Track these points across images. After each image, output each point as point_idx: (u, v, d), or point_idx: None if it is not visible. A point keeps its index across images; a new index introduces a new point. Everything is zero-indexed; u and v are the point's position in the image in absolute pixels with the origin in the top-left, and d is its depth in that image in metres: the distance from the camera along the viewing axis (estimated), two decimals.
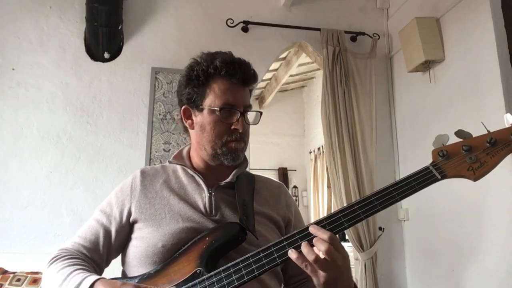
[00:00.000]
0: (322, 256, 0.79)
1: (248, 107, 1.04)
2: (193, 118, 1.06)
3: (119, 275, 1.02)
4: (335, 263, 0.79)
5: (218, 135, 1.00)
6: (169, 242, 0.94)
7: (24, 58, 2.52)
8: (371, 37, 3.00)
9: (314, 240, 0.81)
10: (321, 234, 0.81)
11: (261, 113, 1.07)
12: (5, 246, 2.27)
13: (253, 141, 3.15)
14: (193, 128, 1.07)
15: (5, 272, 1.89)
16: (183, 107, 1.07)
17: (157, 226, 0.96)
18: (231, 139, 1.01)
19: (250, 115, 1.05)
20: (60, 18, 2.63)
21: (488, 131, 0.89)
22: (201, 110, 1.02)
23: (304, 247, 0.80)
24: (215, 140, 1.01)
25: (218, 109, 0.99)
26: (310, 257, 0.79)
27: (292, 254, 0.81)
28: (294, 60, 4.64)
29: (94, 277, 0.86)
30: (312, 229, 0.83)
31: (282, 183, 1.22)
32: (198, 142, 1.05)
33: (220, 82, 1.01)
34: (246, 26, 2.85)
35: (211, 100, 1.01)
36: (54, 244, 2.30)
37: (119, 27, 2.57)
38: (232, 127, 1.00)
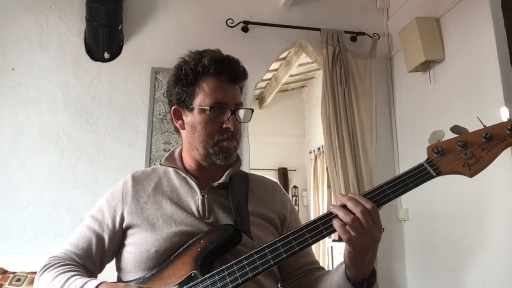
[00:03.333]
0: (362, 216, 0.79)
1: (239, 105, 1.02)
2: (184, 118, 1.04)
3: (113, 281, 1.01)
4: (372, 230, 0.80)
5: (210, 134, 0.99)
6: (162, 247, 0.93)
7: (24, 58, 2.52)
8: (371, 37, 2.99)
9: (353, 204, 0.81)
10: (364, 202, 0.81)
11: (252, 110, 1.06)
12: (5, 246, 2.27)
13: (253, 141, 3.15)
14: (184, 129, 1.05)
15: (5, 272, 1.89)
16: (173, 108, 1.05)
17: (150, 231, 0.95)
18: (222, 138, 0.99)
19: (241, 113, 1.04)
20: (60, 18, 2.63)
21: (484, 126, 0.87)
22: (191, 110, 1.01)
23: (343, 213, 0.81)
24: (207, 140, 0.99)
25: (208, 108, 0.98)
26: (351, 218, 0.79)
27: (336, 222, 0.81)
28: (294, 60, 4.63)
29: (96, 281, 0.85)
30: (354, 196, 0.83)
31: (277, 181, 1.20)
32: (190, 142, 1.03)
33: (209, 80, 0.99)
34: (246, 26, 2.85)
35: (200, 99, 0.99)
36: (54, 244, 2.30)
37: (119, 27, 2.57)
38: (224, 126, 0.99)
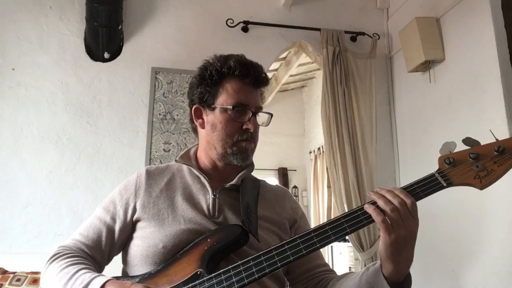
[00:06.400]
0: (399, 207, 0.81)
1: (259, 109, 1.05)
2: (204, 117, 1.07)
3: (119, 273, 1.02)
4: (409, 222, 0.81)
5: (230, 134, 1.01)
6: (169, 244, 0.93)
7: (24, 58, 2.52)
8: (371, 37, 2.99)
9: (391, 196, 0.82)
10: (404, 195, 0.82)
11: (271, 115, 1.08)
12: (5, 246, 2.27)
13: None
14: (203, 128, 1.07)
15: (5, 272, 1.88)
16: (194, 107, 1.08)
17: (159, 227, 0.96)
18: (242, 138, 1.02)
19: (261, 117, 1.06)
20: (60, 18, 2.63)
21: (497, 139, 0.87)
22: (213, 109, 1.03)
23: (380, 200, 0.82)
24: (226, 139, 1.02)
25: (230, 107, 1.01)
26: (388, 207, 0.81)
27: (368, 208, 0.82)
28: (294, 60, 4.64)
29: (103, 278, 0.85)
30: (395, 190, 0.83)
31: (287, 189, 1.22)
32: (208, 141, 1.05)
33: (233, 82, 1.03)
34: (246, 26, 2.85)
35: (223, 99, 1.02)
36: (54, 244, 2.28)
37: (119, 27, 2.57)
38: (244, 126, 1.01)
